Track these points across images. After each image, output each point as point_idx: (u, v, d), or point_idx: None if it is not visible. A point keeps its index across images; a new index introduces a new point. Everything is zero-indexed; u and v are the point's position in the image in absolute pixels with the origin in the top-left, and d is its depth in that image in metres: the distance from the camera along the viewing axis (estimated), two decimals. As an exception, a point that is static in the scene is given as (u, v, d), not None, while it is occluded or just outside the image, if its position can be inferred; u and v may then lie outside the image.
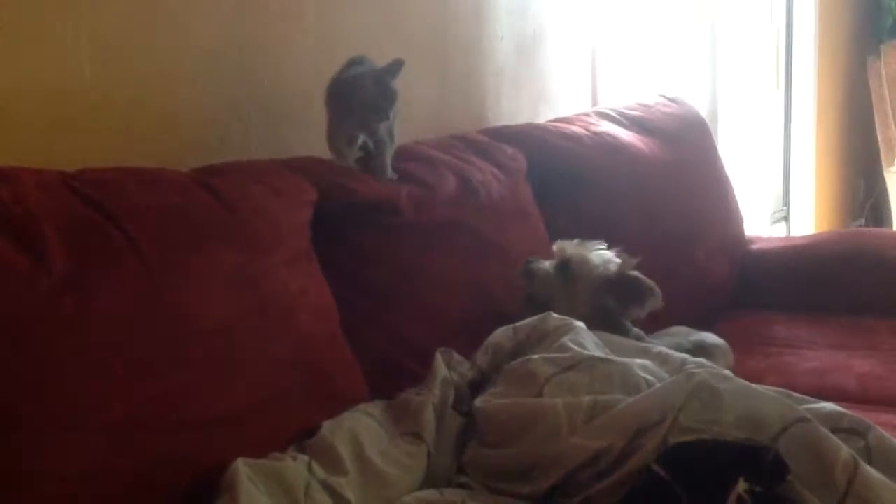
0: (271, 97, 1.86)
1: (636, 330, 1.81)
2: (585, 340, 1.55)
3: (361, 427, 1.36)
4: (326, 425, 1.34)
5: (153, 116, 1.65)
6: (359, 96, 1.68)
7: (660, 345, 1.67)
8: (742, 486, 1.09)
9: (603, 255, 1.84)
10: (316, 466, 1.26)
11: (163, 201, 1.37)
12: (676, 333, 1.94)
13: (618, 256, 1.84)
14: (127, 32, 1.59)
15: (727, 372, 1.42)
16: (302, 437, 1.34)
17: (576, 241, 1.87)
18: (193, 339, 1.28)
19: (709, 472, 1.13)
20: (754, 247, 2.63)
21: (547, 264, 1.84)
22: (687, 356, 1.64)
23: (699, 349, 1.82)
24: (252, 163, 1.63)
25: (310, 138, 1.90)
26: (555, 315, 1.62)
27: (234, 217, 1.42)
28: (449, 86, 2.33)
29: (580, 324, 1.60)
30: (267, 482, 1.20)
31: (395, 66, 1.68)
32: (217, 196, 1.43)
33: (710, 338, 1.93)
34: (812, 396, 1.80)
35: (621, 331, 1.75)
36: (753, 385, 1.32)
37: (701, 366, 1.51)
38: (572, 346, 1.51)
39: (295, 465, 1.25)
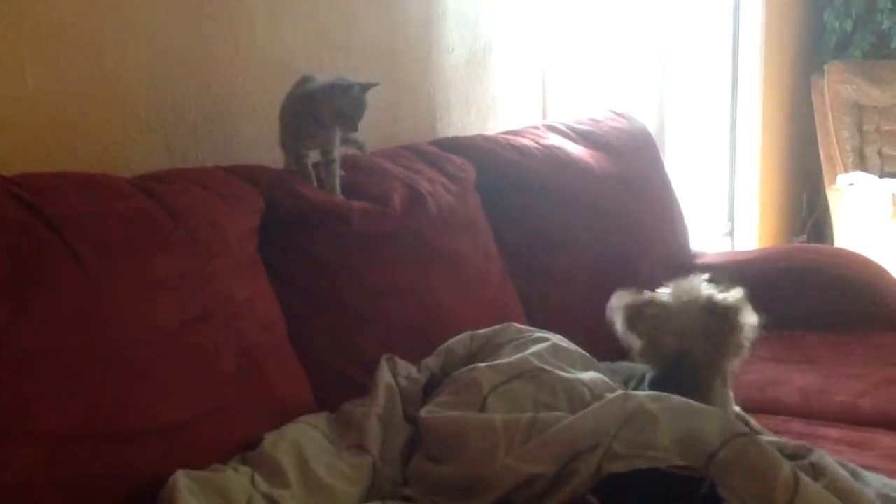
0: (218, 106, 1.84)
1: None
2: (540, 349, 1.53)
3: (305, 439, 1.34)
4: (269, 437, 1.33)
5: (97, 122, 1.62)
6: (333, 105, 1.70)
7: None
8: None
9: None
10: (258, 479, 1.25)
11: (104, 207, 1.35)
12: None
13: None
14: (72, 35, 1.56)
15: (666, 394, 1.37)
16: (244, 448, 1.33)
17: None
18: (133, 347, 1.26)
19: (641, 503, 1.14)
20: (699, 261, 2.66)
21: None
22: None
23: None
24: (198, 170, 1.61)
25: (257, 147, 1.88)
26: (516, 325, 1.62)
27: (178, 224, 1.40)
28: (398, 98, 2.33)
29: (548, 334, 1.58)
30: (208, 494, 1.18)
31: (369, 84, 1.74)
32: (161, 202, 1.41)
33: None
34: (753, 410, 1.83)
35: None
36: (693, 403, 1.32)
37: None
38: (523, 355, 1.50)
39: (237, 477, 1.23)
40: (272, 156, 1.81)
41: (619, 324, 1.57)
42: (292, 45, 1.99)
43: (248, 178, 1.63)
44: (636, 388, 1.60)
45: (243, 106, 1.90)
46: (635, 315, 1.56)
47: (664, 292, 1.56)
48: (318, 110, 1.71)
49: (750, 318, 1.52)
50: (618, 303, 1.58)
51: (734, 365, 1.56)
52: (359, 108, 1.72)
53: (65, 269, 1.23)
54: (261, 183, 1.62)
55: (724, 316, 1.50)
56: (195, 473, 1.20)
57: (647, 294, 1.56)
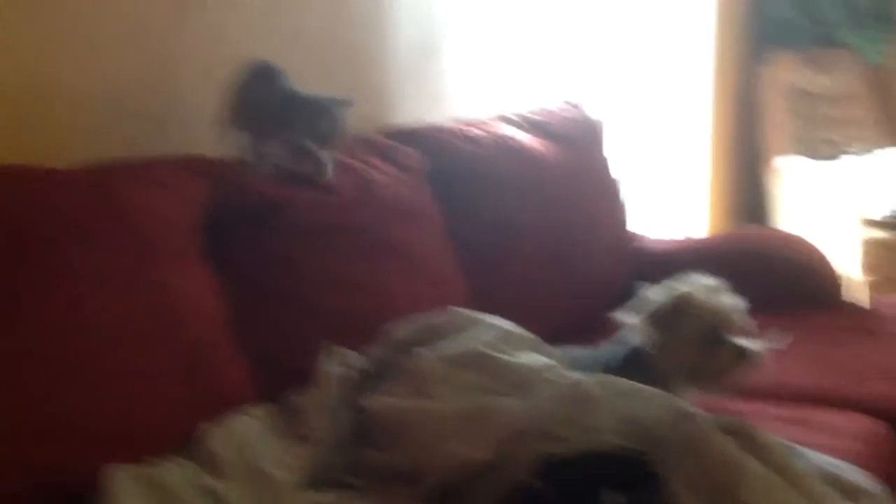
0: (162, 95, 1.82)
1: None
2: (488, 336, 1.53)
3: (247, 430, 1.34)
4: (210, 430, 1.32)
5: (38, 112, 1.59)
6: (312, 120, 1.73)
7: None
8: (614, 500, 1.11)
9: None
10: (199, 471, 1.24)
11: (45, 199, 1.33)
12: None
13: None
14: (9, 21, 1.53)
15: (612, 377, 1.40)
16: (185, 441, 1.32)
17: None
18: (72, 340, 1.24)
19: (585, 484, 1.15)
20: (647, 248, 2.69)
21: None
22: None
23: None
24: (141, 161, 1.58)
25: (203, 138, 1.86)
26: (459, 309, 1.62)
27: (121, 216, 1.38)
28: (349, 88, 2.30)
29: (494, 319, 1.59)
30: (146, 489, 1.18)
31: (348, 103, 1.78)
32: (103, 194, 1.39)
33: None
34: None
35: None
36: (637, 385, 1.33)
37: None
38: (469, 341, 1.51)
39: (176, 470, 1.22)
40: (219, 146, 1.79)
41: (642, 315, 1.59)
42: (239, 31, 1.97)
43: (193, 169, 1.61)
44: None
45: (188, 95, 1.87)
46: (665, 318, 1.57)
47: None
48: (295, 124, 1.72)
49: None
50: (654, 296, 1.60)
51: None
52: (339, 129, 1.75)
53: (3, 261, 1.20)
54: (206, 174, 1.61)
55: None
56: (133, 468, 1.19)
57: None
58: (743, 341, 1.55)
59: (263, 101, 1.73)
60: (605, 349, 1.73)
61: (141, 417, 1.29)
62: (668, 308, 1.58)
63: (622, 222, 2.69)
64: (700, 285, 1.60)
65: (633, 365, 1.57)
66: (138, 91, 1.77)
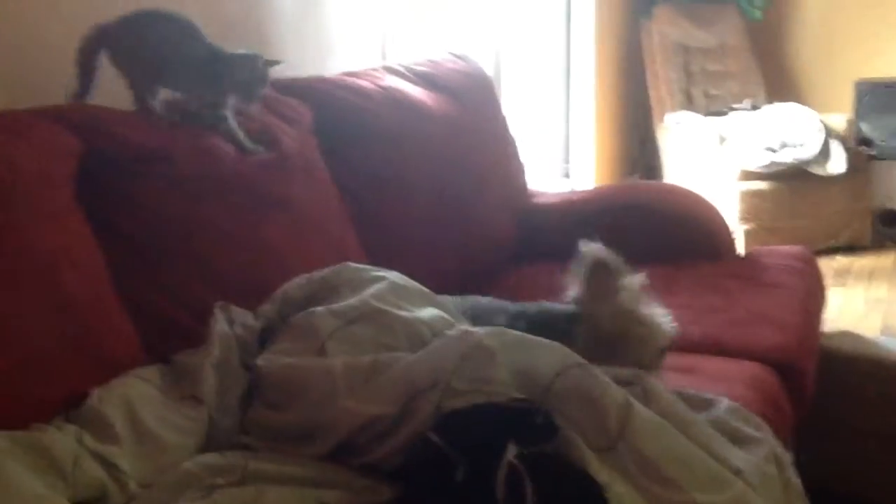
0: (30, 45, 1.71)
1: None
2: (381, 290, 1.51)
3: (135, 393, 1.29)
4: (96, 392, 1.27)
5: None
6: (236, 74, 1.76)
7: None
8: (511, 451, 1.12)
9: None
10: (86, 436, 1.19)
11: None
12: None
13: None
14: None
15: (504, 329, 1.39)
16: (70, 406, 1.26)
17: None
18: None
19: (481, 437, 1.15)
20: (536, 201, 2.71)
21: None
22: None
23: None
24: (4, 113, 1.49)
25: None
26: (352, 265, 1.59)
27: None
28: (226, 34, 2.22)
29: (386, 272, 1.56)
30: (29, 456, 1.12)
31: (274, 61, 1.85)
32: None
33: None
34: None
35: None
36: (530, 337, 1.34)
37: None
38: (361, 296, 1.48)
39: (61, 436, 1.17)
40: (93, 99, 1.71)
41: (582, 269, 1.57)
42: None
43: (62, 118, 1.52)
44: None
45: (57, 44, 1.77)
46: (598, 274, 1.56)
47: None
48: (218, 74, 1.73)
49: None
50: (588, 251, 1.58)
51: None
52: (262, 82, 1.80)
53: None
54: (77, 125, 1.52)
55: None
56: (15, 434, 1.13)
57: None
58: (660, 319, 1.57)
59: (184, 54, 1.72)
60: (553, 305, 1.72)
61: (15, 379, 1.22)
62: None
63: (515, 178, 2.70)
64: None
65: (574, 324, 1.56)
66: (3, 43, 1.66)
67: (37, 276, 1.31)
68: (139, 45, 1.69)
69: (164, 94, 1.74)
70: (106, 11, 1.69)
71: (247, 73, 1.78)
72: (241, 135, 1.81)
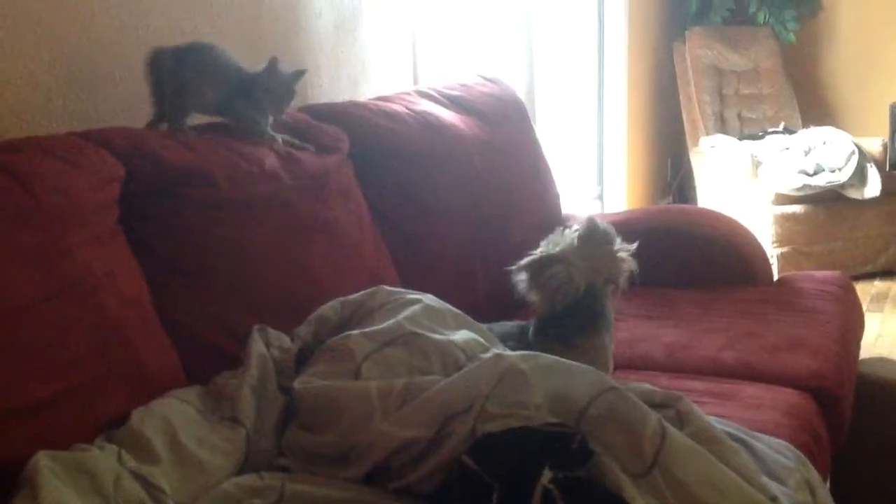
0: (73, 71, 1.75)
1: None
2: (415, 313, 1.53)
3: (175, 413, 1.31)
4: (137, 413, 1.29)
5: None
6: (271, 87, 1.83)
7: None
8: (546, 475, 1.12)
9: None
10: (126, 456, 1.21)
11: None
12: None
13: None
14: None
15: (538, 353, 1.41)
16: (111, 426, 1.28)
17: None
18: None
19: (517, 462, 1.16)
20: (569, 224, 2.71)
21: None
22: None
23: None
24: (50, 138, 1.52)
25: (115, 114, 1.81)
26: (386, 287, 1.61)
27: (30, 195, 1.32)
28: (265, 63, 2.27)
29: (419, 295, 1.58)
30: (72, 475, 1.14)
31: (300, 72, 1.91)
32: (10, 173, 1.33)
33: None
34: (623, 366, 1.88)
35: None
36: (563, 361, 1.34)
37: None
38: (395, 320, 1.50)
39: (103, 456, 1.18)
40: (132, 123, 1.74)
41: (522, 281, 1.70)
42: (151, 7, 1.91)
43: (105, 143, 1.55)
44: (518, 345, 1.65)
45: (100, 71, 1.81)
46: (539, 268, 1.68)
47: (546, 248, 1.72)
48: (248, 92, 1.80)
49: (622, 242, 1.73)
50: (520, 264, 1.71)
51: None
52: (289, 93, 1.87)
53: None
54: (119, 148, 1.55)
55: (606, 234, 1.71)
56: (58, 454, 1.15)
57: (540, 250, 1.72)
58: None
59: (218, 78, 1.78)
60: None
61: (61, 401, 1.24)
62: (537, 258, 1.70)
63: (547, 198, 2.70)
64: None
65: (570, 317, 1.67)
66: (48, 70, 1.70)
67: (83, 300, 1.33)
68: (179, 70, 1.72)
69: (191, 119, 1.78)
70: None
71: (276, 84, 1.83)
72: (287, 138, 1.89)
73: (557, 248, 1.70)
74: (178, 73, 1.73)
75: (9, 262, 1.26)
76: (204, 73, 1.76)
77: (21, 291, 1.25)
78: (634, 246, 1.74)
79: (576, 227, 1.75)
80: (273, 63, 1.83)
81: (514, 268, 1.72)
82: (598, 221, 1.72)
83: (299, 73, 1.89)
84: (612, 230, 1.72)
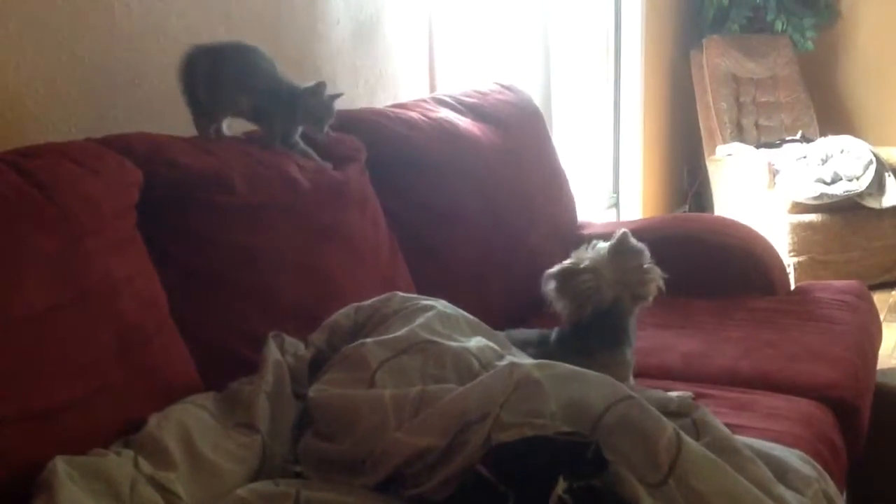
0: (93, 77, 1.77)
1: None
2: (430, 320, 1.52)
3: (191, 419, 1.31)
4: (153, 418, 1.29)
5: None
6: (308, 106, 1.87)
7: None
8: (561, 485, 1.11)
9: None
10: (142, 461, 1.21)
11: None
12: None
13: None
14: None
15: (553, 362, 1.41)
16: (128, 431, 1.29)
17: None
18: (5, 328, 1.20)
19: (532, 471, 1.15)
20: (585, 232, 2.70)
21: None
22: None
23: None
24: (69, 144, 1.53)
25: (136, 121, 1.82)
26: (400, 294, 1.61)
27: (49, 201, 1.34)
28: (287, 69, 2.27)
29: (433, 301, 1.58)
30: (88, 480, 1.14)
31: (336, 95, 1.93)
32: (30, 178, 1.34)
33: None
34: (640, 375, 1.88)
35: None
36: (578, 369, 1.34)
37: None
38: (410, 327, 1.50)
39: (119, 461, 1.19)
40: (152, 129, 1.75)
41: (551, 290, 1.70)
42: (170, 14, 1.93)
43: (124, 149, 1.56)
44: (538, 352, 1.67)
45: (120, 78, 1.83)
46: (568, 276, 1.68)
47: (577, 258, 1.72)
48: (292, 106, 1.83)
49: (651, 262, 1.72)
50: (550, 272, 1.71)
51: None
52: (329, 113, 1.90)
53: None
54: (138, 154, 1.56)
55: (637, 250, 1.70)
56: (75, 459, 1.16)
57: (570, 260, 1.72)
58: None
59: (261, 87, 1.81)
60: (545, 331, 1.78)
61: (78, 406, 1.25)
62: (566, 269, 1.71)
63: (563, 206, 2.70)
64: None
65: (596, 329, 1.67)
66: (69, 76, 1.71)
67: (101, 306, 1.34)
68: (217, 73, 1.73)
69: (226, 123, 1.80)
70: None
71: (318, 104, 1.88)
72: (312, 153, 1.92)
73: (587, 260, 1.70)
74: (216, 74, 1.72)
75: (29, 267, 1.27)
76: (242, 76, 1.76)
77: (40, 296, 1.26)
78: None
79: (607, 241, 1.74)
80: (321, 86, 1.87)
81: (543, 276, 1.72)
82: (631, 238, 1.72)
83: (336, 96, 1.93)
84: (643, 248, 1.72)
